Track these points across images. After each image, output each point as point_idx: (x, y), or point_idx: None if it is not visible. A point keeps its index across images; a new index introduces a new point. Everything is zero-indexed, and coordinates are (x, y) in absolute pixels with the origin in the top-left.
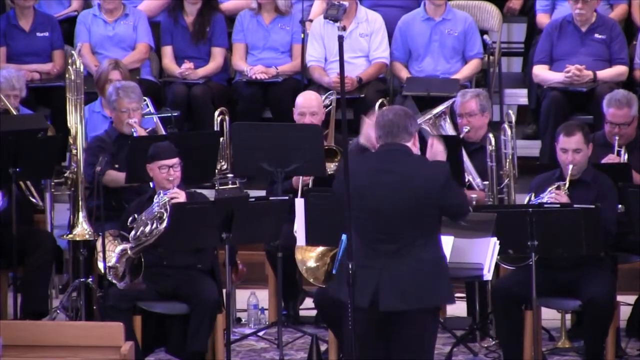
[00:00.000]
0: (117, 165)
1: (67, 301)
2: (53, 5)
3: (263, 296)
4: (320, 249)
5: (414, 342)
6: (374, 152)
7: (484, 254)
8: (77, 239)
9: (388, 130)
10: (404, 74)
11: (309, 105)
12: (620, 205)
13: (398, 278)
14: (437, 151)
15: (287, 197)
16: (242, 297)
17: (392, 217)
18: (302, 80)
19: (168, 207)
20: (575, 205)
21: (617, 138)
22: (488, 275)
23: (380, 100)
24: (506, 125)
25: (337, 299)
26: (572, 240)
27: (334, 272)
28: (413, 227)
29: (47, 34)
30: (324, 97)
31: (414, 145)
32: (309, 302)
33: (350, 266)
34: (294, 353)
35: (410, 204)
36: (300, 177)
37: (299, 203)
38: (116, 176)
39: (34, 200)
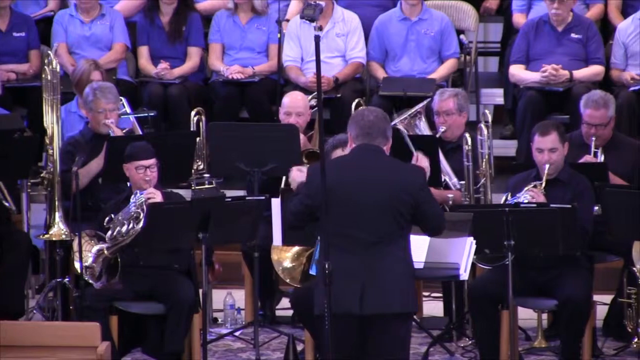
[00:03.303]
0: None
1: (44, 301)
2: (29, 5)
3: (239, 296)
4: (296, 249)
5: (390, 345)
6: (350, 151)
7: (461, 253)
8: (54, 239)
9: (367, 131)
10: (380, 73)
11: (295, 106)
12: (596, 207)
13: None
14: (422, 166)
15: (263, 197)
16: (219, 297)
17: (361, 215)
18: (279, 80)
19: (144, 207)
20: (551, 205)
21: (593, 139)
22: (464, 275)
23: (356, 100)
24: (482, 125)
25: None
26: (548, 239)
27: (310, 272)
28: (382, 227)
29: (23, 34)
30: (309, 97)
31: (387, 150)
32: (285, 302)
33: (326, 266)
34: (271, 353)
35: (382, 204)
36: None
37: (275, 203)
38: (87, 170)
39: (6, 204)
